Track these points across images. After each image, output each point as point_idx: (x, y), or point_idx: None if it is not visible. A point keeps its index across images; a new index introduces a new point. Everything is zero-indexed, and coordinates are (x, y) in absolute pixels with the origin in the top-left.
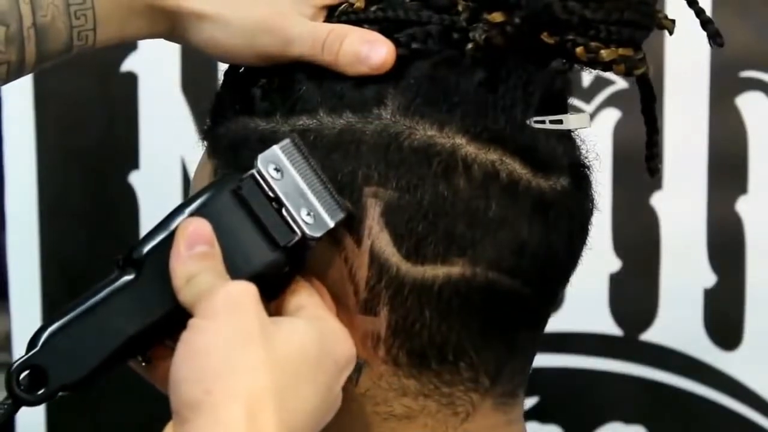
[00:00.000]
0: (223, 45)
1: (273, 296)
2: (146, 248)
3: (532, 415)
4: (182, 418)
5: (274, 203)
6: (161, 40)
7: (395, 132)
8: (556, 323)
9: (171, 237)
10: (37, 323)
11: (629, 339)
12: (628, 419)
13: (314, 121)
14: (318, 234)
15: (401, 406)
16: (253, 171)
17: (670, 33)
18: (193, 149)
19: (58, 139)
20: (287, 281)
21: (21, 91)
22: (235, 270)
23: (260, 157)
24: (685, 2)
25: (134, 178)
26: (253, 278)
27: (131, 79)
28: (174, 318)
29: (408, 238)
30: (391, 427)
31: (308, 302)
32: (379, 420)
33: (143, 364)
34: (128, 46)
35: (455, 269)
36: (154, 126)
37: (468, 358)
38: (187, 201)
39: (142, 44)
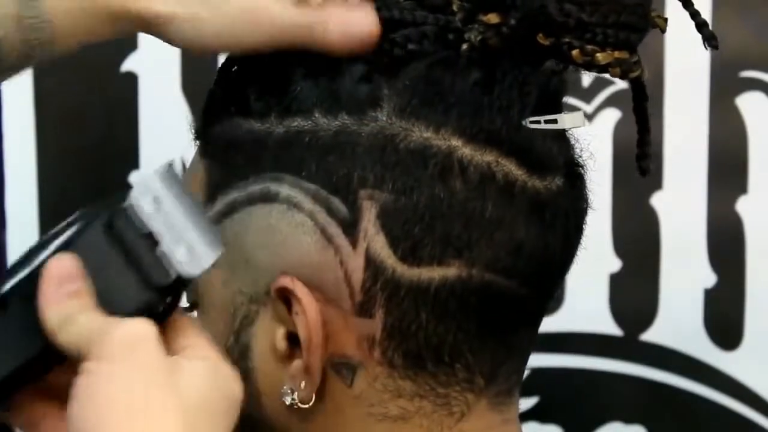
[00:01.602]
0: (206, 43)
1: None
2: (7, 286)
3: (532, 415)
4: None
5: (148, 239)
6: (161, 41)
7: (391, 134)
8: (556, 323)
9: (35, 273)
10: None
11: (629, 339)
12: (628, 419)
13: (309, 122)
14: (194, 272)
15: (396, 407)
16: (125, 205)
17: (663, 31)
18: (193, 149)
19: (58, 139)
20: (168, 317)
21: (21, 91)
22: (108, 310)
23: (134, 187)
24: (681, 4)
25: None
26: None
27: (131, 79)
28: (41, 362)
29: (404, 241)
30: (386, 428)
31: (196, 342)
32: (374, 421)
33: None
34: (128, 46)
35: (451, 271)
36: (154, 126)
37: (464, 359)
38: (52, 235)
39: (142, 44)
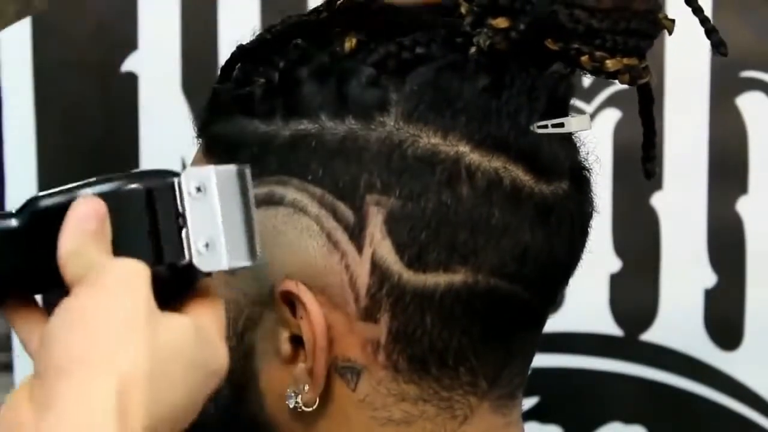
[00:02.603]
0: None
1: (160, 297)
2: (43, 204)
3: (532, 415)
4: (46, 380)
5: (180, 219)
6: (161, 40)
7: (399, 140)
8: (556, 323)
9: (69, 204)
10: None
11: (629, 339)
12: (628, 419)
13: (316, 125)
14: (207, 268)
15: (400, 411)
16: (174, 180)
17: (670, 33)
18: (193, 149)
19: (58, 139)
20: (177, 290)
21: (21, 91)
22: None
23: (188, 170)
24: (691, 11)
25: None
26: None
27: (131, 79)
28: (41, 279)
29: (410, 247)
30: None
31: (202, 311)
32: (377, 425)
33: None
34: (128, 46)
35: (457, 277)
36: (154, 126)
37: (468, 363)
38: (104, 178)
39: (142, 44)
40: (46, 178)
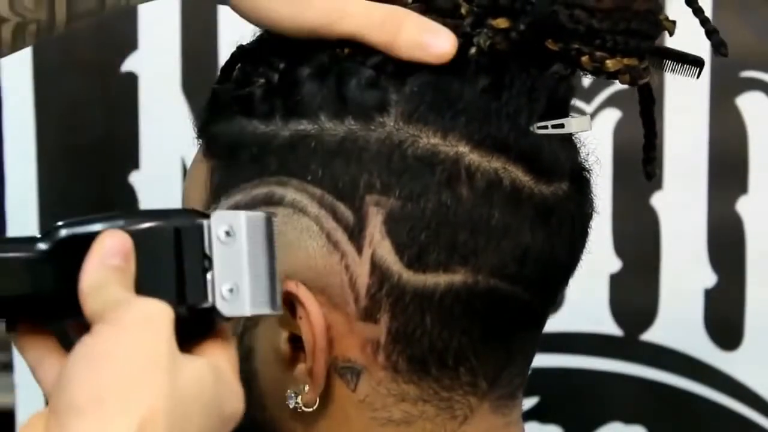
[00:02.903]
0: (267, 13)
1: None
2: (70, 232)
3: (532, 415)
4: (63, 420)
5: (206, 261)
6: (161, 40)
7: (399, 140)
8: (556, 323)
9: (95, 235)
10: None
11: (629, 339)
12: (628, 419)
13: (315, 126)
14: (229, 314)
15: (400, 411)
16: (203, 222)
17: (671, 34)
18: (193, 149)
19: (58, 139)
20: (195, 331)
21: (21, 91)
22: None
23: (218, 213)
24: (692, 12)
25: (134, 178)
26: None
27: (131, 79)
28: (58, 307)
29: (410, 247)
30: None
31: (214, 351)
32: (377, 425)
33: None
34: (128, 46)
35: (457, 277)
36: (154, 126)
37: (468, 363)
38: (132, 212)
39: (142, 44)
40: (46, 178)
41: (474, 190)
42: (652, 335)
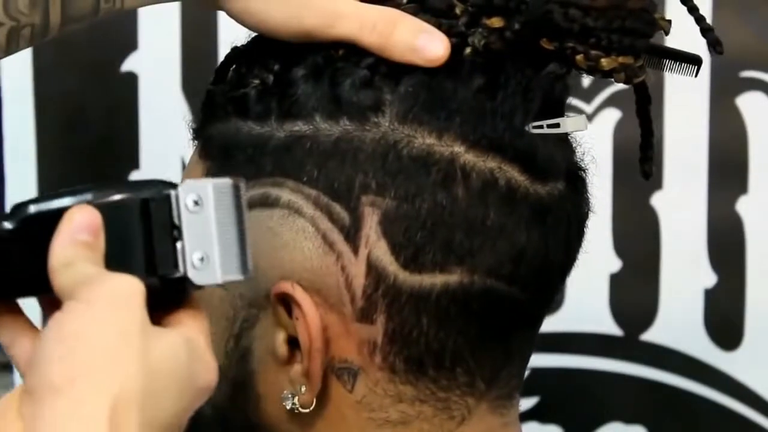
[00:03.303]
0: (261, 17)
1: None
2: (35, 209)
3: (532, 415)
4: (36, 399)
5: (175, 231)
6: (161, 40)
7: (394, 140)
8: (556, 323)
9: (63, 212)
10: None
11: (629, 339)
12: (628, 419)
13: (310, 127)
14: (200, 282)
15: (397, 412)
16: (171, 192)
17: (666, 33)
18: (191, 149)
19: (58, 139)
20: (167, 302)
21: (21, 91)
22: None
23: (186, 183)
24: (686, 10)
25: (134, 178)
26: None
27: (131, 79)
28: (27, 285)
29: (406, 247)
30: None
31: (187, 322)
32: (375, 426)
33: None
34: (128, 46)
35: (453, 277)
36: (154, 126)
37: (465, 364)
38: (100, 186)
39: (142, 44)
40: (46, 178)
41: (469, 190)
42: (652, 335)
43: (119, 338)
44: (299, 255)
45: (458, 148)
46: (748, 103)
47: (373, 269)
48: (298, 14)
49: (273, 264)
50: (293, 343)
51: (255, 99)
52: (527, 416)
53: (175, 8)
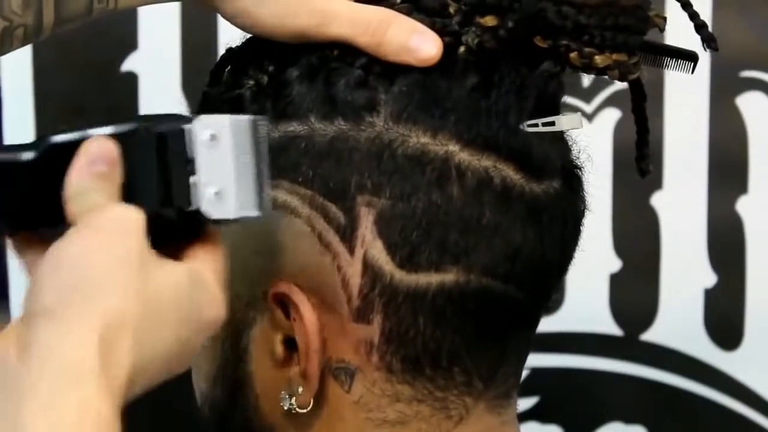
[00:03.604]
0: (256, 18)
1: (163, 242)
2: (56, 140)
3: (532, 415)
4: (31, 322)
5: (191, 166)
6: (161, 40)
7: (389, 140)
8: (556, 323)
9: (81, 142)
10: None
11: (629, 339)
12: (628, 419)
13: (305, 127)
14: (215, 216)
15: (394, 411)
16: (188, 126)
17: (661, 30)
18: None
19: None
20: (183, 234)
21: (21, 91)
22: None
23: (202, 117)
24: (680, 6)
25: None
26: None
27: (131, 79)
28: (47, 214)
29: (402, 247)
30: None
31: (203, 256)
32: (372, 426)
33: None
34: (128, 46)
35: (449, 276)
36: None
37: (462, 363)
38: (121, 120)
39: (142, 44)
40: None
41: (464, 189)
42: (652, 335)
43: (115, 263)
44: (295, 256)
45: (453, 147)
46: (748, 103)
47: (369, 269)
48: (292, 15)
49: (269, 265)
50: (290, 343)
51: (250, 100)
52: (527, 416)
53: (175, 8)
